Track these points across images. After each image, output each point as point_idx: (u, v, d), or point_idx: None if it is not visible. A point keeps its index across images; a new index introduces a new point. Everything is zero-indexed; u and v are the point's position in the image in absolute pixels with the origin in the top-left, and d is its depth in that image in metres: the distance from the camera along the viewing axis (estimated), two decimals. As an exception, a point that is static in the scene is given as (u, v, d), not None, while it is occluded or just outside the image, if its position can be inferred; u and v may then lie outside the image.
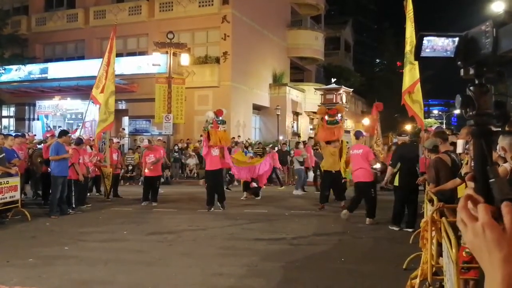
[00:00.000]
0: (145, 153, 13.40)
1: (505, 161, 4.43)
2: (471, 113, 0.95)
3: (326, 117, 12.17)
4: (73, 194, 11.44)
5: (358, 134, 10.98)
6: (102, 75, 13.97)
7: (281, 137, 26.27)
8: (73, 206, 11.43)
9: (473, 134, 0.95)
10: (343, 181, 12.39)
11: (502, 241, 0.84)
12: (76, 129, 15.08)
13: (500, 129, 0.98)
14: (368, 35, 64.62)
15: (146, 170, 13.09)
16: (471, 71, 0.96)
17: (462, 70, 0.98)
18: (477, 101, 0.93)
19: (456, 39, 0.96)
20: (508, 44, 0.86)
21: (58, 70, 26.89)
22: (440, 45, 0.96)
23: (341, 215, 10.34)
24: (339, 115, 12.24)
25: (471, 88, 0.95)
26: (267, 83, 29.63)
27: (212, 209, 11.69)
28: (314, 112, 30.24)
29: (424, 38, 0.98)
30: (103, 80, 13.86)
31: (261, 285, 5.80)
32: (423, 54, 0.99)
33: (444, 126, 29.58)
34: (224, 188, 12.88)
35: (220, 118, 11.87)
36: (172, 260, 6.85)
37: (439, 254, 4.64)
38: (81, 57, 28.04)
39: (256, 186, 14.25)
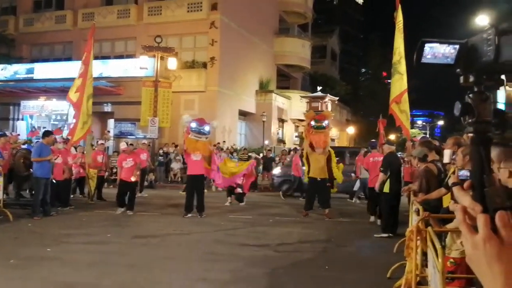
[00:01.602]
0: (122, 157, 12.23)
1: (492, 172, 4.48)
2: (470, 120, 0.95)
3: (313, 122, 12.20)
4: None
5: (374, 144, 12.29)
6: (79, 74, 13.70)
7: (266, 142, 26.32)
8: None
9: (472, 142, 0.95)
10: (328, 185, 12.40)
11: (502, 254, 0.83)
12: (60, 129, 14.75)
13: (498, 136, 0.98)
14: (354, 45, 65.30)
15: (133, 178, 12.08)
16: (471, 79, 0.96)
17: (461, 78, 0.98)
18: (477, 108, 0.94)
19: (457, 46, 0.97)
20: (510, 52, 0.87)
21: (45, 70, 26.69)
22: (441, 52, 0.97)
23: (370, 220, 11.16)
24: (326, 121, 12.28)
25: (470, 95, 0.96)
26: (253, 90, 29.71)
27: (189, 215, 11.36)
28: (300, 120, 30.41)
29: (426, 45, 0.98)
30: (78, 78, 13.60)
31: (246, 291, 5.79)
32: (423, 60, 0.99)
33: (428, 137, 29.93)
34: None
35: (199, 126, 11.56)
36: (156, 264, 6.79)
37: (424, 263, 4.67)
38: (68, 59, 27.78)
39: (241, 191, 14.17)
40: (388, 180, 9.41)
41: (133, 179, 12.03)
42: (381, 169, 9.60)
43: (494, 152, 3.78)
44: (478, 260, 0.86)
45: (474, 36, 0.96)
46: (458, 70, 0.99)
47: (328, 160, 12.12)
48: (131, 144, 14.09)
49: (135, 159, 12.23)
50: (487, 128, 0.94)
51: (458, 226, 0.91)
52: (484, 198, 0.89)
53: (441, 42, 0.97)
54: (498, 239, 0.84)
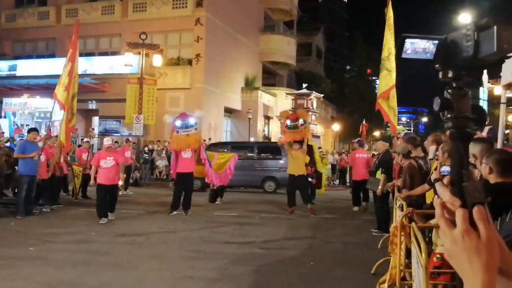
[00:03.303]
0: (100, 155, 10.48)
1: (475, 168, 4.54)
2: (449, 115, 0.96)
3: (288, 122, 12.19)
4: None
5: (362, 143, 13.70)
6: (66, 72, 13.47)
7: (252, 139, 26.30)
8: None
9: (452, 137, 0.95)
10: (310, 180, 12.47)
11: (481, 248, 0.84)
12: (49, 130, 14.38)
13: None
14: (339, 42, 65.60)
15: (120, 182, 11.29)
16: (450, 74, 0.97)
17: (440, 73, 0.99)
18: (456, 104, 0.95)
19: (436, 41, 0.97)
20: (489, 48, 0.88)
21: (28, 67, 26.27)
22: (421, 47, 0.98)
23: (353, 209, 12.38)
24: (301, 120, 12.23)
25: (449, 91, 0.96)
26: (239, 87, 29.68)
27: (174, 213, 11.33)
28: (286, 117, 30.46)
29: (406, 40, 0.99)
30: (65, 76, 13.37)
31: (231, 288, 5.79)
32: (404, 55, 1.00)
33: (412, 133, 30.25)
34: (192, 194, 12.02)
35: (183, 121, 11.46)
36: (141, 263, 6.76)
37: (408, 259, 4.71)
38: (52, 55, 27.44)
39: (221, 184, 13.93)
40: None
41: (120, 183, 11.07)
42: (382, 170, 9.40)
43: (477, 148, 3.84)
44: (457, 256, 0.86)
45: (454, 32, 0.96)
46: (437, 65, 0.99)
47: (310, 153, 12.19)
48: (115, 142, 13.81)
49: (117, 158, 10.46)
50: (466, 124, 0.95)
51: (437, 221, 0.92)
52: (463, 193, 0.90)
53: (421, 38, 0.98)
54: (476, 233, 0.85)
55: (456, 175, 0.93)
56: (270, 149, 19.38)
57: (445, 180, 0.95)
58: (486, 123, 1.01)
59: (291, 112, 12.89)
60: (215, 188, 13.90)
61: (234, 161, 13.63)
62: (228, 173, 13.34)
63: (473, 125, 0.96)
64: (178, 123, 11.46)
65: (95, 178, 10.16)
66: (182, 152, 11.44)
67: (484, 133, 5.62)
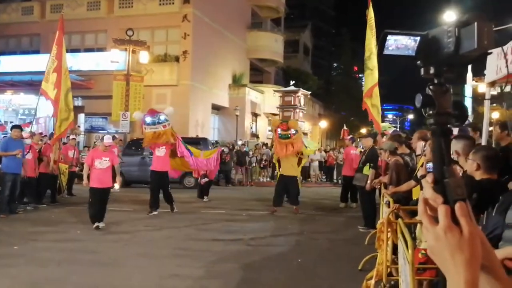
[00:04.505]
0: (94, 153, 9.36)
1: (457, 164, 4.58)
2: (431, 112, 0.95)
3: (279, 131, 12.03)
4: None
5: (354, 139, 14.51)
6: (51, 68, 13.33)
7: (240, 142, 26.19)
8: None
9: (433, 133, 0.95)
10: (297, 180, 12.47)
11: (463, 244, 0.84)
12: (29, 123, 14.26)
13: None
14: (326, 40, 65.68)
15: (116, 185, 10.29)
16: (431, 70, 0.97)
17: (422, 69, 0.99)
18: (437, 100, 0.94)
19: (418, 38, 0.97)
20: (470, 44, 0.88)
21: (11, 63, 25.84)
22: (403, 43, 0.98)
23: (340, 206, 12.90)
24: (292, 130, 12.16)
25: (431, 87, 0.96)
26: (226, 84, 29.62)
27: (155, 212, 11.04)
28: (273, 114, 30.48)
29: (388, 36, 0.99)
30: (51, 73, 13.24)
31: (219, 286, 5.78)
32: (386, 52, 0.99)
33: (398, 131, 30.55)
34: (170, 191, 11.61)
35: (153, 118, 11.06)
36: (127, 261, 6.72)
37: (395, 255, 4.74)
38: (36, 51, 27.05)
39: (208, 180, 13.88)
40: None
41: (116, 186, 9.74)
42: (371, 165, 9.51)
43: (459, 145, 3.87)
44: (440, 252, 0.86)
45: (435, 28, 0.96)
46: (419, 62, 0.99)
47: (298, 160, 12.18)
48: (113, 137, 12.99)
49: (112, 159, 9.36)
50: (447, 120, 0.95)
51: (420, 218, 0.92)
52: (445, 190, 0.89)
53: (403, 34, 0.98)
54: (458, 229, 0.85)
55: (438, 172, 0.92)
56: (190, 145, 18.83)
57: (428, 178, 0.94)
58: (468, 119, 1.02)
59: (281, 122, 12.81)
60: (202, 182, 13.86)
61: (218, 154, 13.53)
62: (214, 165, 13.17)
63: (454, 121, 0.96)
64: (148, 119, 11.09)
65: (88, 178, 9.07)
66: (156, 149, 11.16)
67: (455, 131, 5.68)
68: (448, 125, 0.95)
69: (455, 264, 0.84)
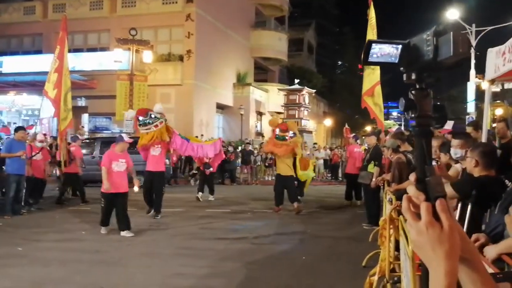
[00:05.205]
0: (110, 155, 8.56)
1: (457, 162, 4.60)
2: (413, 115, 1.02)
3: (277, 131, 11.89)
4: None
5: (357, 137, 14.55)
6: (53, 68, 13.36)
7: (247, 141, 26.21)
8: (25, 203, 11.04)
9: (415, 135, 1.02)
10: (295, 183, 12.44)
11: (443, 238, 0.91)
12: (32, 125, 14.35)
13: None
14: (330, 38, 65.45)
15: (136, 188, 9.16)
16: (413, 76, 1.03)
17: (404, 75, 1.06)
18: (419, 104, 1.01)
19: (400, 46, 1.03)
20: (447, 51, 0.94)
21: (14, 64, 25.97)
22: (386, 51, 1.04)
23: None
24: (290, 132, 12.00)
25: (413, 92, 1.02)
26: (230, 83, 29.66)
27: (152, 212, 10.63)
28: (278, 112, 30.51)
29: (372, 45, 1.05)
30: (53, 73, 13.27)
31: (222, 285, 5.80)
32: (370, 59, 1.06)
33: (402, 128, 30.48)
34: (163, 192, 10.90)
35: (144, 118, 10.36)
36: (131, 260, 6.76)
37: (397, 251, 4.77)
38: (39, 51, 27.16)
39: (211, 170, 13.66)
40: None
41: (136, 189, 9.05)
42: (376, 162, 9.56)
43: (456, 142, 3.89)
44: (423, 246, 0.93)
45: (415, 37, 1.03)
46: (401, 68, 1.06)
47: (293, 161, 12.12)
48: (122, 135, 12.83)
49: (128, 161, 8.71)
50: (428, 122, 1.02)
51: (404, 215, 0.98)
52: (426, 187, 0.96)
53: (386, 42, 1.04)
54: (439, 225, 0.92)
55: (420, 171, 1.00)
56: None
57: (411, 177, 1.01)
58: (447, 121, 1.07)
59: (281, 121, 12.73)
60: (207, 172, 13.64)
61: (220, 143, 12.89)
62: (216, 153, 12.47)
63: (434, 123, 1.03)
64: (140, 119, 10.47)
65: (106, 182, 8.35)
66: (150, 148, 10.50)
67: (449, 127, 5.70)
68: (429, 127, 1.02)
69: (436, 256, 0.91)
